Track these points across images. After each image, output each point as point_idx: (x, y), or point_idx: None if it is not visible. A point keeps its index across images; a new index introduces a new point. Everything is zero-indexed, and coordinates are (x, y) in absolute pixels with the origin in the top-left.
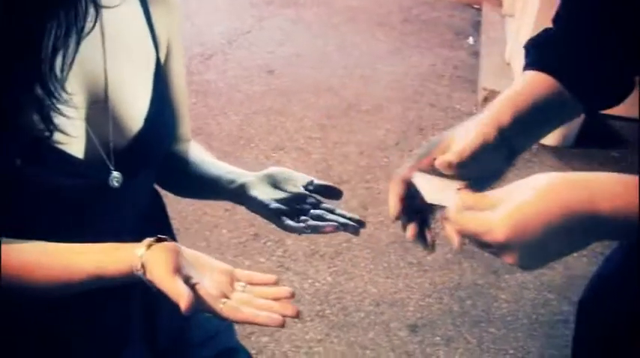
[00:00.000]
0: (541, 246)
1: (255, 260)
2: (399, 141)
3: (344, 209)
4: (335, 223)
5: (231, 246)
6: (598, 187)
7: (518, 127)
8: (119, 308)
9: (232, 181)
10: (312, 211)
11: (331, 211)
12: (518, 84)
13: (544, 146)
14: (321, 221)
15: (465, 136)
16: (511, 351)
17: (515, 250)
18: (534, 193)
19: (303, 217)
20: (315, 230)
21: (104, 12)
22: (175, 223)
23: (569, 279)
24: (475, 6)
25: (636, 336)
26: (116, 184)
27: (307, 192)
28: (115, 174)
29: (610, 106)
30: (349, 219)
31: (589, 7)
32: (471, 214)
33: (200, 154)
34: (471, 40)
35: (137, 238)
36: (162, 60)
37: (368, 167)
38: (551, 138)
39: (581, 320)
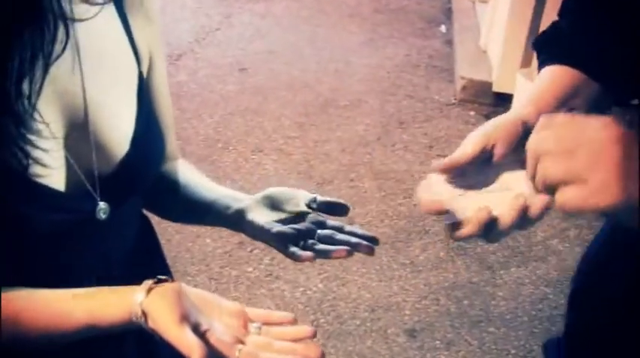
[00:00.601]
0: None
1: (242, 270)
2: (381, 136)
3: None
4: (347, 246)
5: (217, 256)
6: None
7: None
8: (113, 349)
9: (228, 206)
10: (319, 232)
11: (340, 229)
12: (542, 81)
13: None
14: (331, 242)
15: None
16: (513, 351)
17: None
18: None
19: (310, 241)
20: (326, 255)
21: (78, 27)
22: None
23: (563, 271)
24: None
25: (630, 315)
26: (103, 216)
27: (311, 211)
28: (102, 205)
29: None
30: (361, 236)
31: None
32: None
33: (191, 175)
34: (443, 28)
35: (128, 270)
36: (144, 74)
37: (351, 165)
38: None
39: (573, 308)
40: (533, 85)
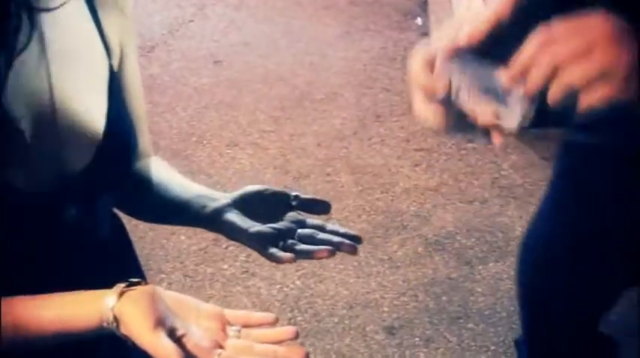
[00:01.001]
0: None
1: (218, 267)
2: (357, 130)
3: None
4: (329, 245)
5: (191, 253)
6: None
7: None
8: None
9: (204, 206)
10: (299, 231)
11: (322, 228)
12: None
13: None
14: (312, 242)
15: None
16: (492, 347)
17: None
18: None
19: (290, 241)
20: (307, 255)
21: (44, 17)
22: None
23: None
24: None
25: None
26: (73, 217)
27: (291, 210)
28: (71, 205)
29: None
30: (343, 235)
31: None
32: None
33: (165, 173)
34: (419, 20)
35: (99, 272)
36: (115, 67)
37: (327, 159)
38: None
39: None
40: None
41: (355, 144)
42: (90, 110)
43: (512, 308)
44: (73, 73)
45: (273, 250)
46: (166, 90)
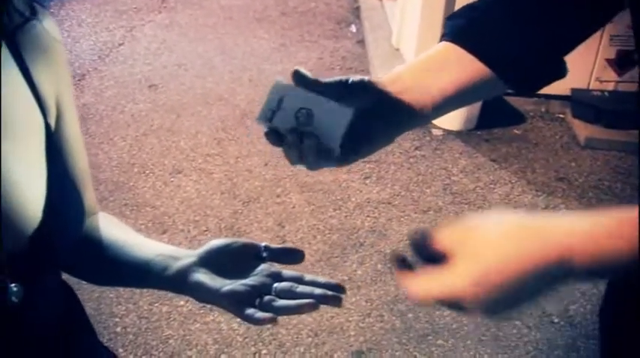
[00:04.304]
0: (512, 297)
1: (173, 304)
2: None
3: (259, 232)
4: (310, 299)
5: (144, 292)
6: (571, 240)
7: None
8: None
9: (166, 267)
10: (276, 286)
11: (299, 280)
12: (438, 56)
13: (449, 132)
14: (291, 296)
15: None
16: None
17: (483, 305)
18: (499, 247)
19: (267, 297)
20: (289, 312)
21: None
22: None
23: None
24: None
25: None
26: (15, 300)
27: (262, 262)
28: (13, 287)
29: (540, 87)
30: (324, 285)
31: None
32: (431, 280)
33: (116, 231)
34: (353, 27)
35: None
36: (52, 126)
37: (276, 179)
38: (454, 123)
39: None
40: (425, 58)
41: None
42: (28, 181)
43: (478, 320)
44: (5, 138)
45: (250, 311)
46: (102, 119)
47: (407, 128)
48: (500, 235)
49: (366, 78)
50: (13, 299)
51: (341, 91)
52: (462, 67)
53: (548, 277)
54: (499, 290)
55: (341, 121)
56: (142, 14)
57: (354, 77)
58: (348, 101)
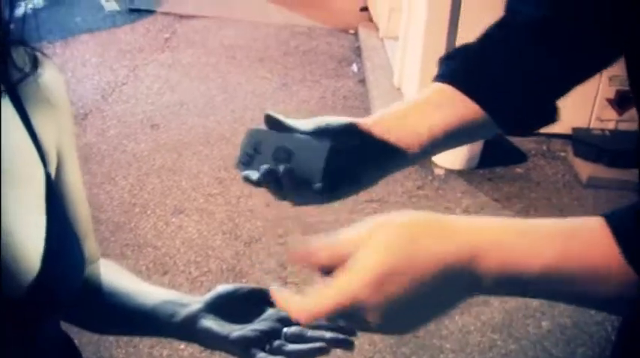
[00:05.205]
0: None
1: (174, 348)
2: None
3: (261, 273)
4: (322, 342)
5: None
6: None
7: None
8: None
9: (172, 314)
10: (285, 331)
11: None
12: (429, 97)
13: (451, 171)
14: (302, 340)
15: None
16: None
17: (385, 311)
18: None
19: (276, 342)
20: (300, 356)
21: None
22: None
23: (507, 314)
24: (350, 31)
25: None
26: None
27: (270, 307)
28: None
29: (533, 130)
30: (335, 328)
31: (514, 25)
32: (325, 288)
33: (118, 279)
34: (354, 67)
35: None
36: (52, 174)
37: (278, 220)
38: (456, 163)
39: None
40: (419, 100)
41: None
42: (27, 230)
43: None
44: (5, 190)
45: (261, 355)
46: (103, 159)
47: (394, 168)
48: (404, 233)
49: (347, 120)
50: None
51: (319, 134)
52: (452, 106)
53: (454, 280)
54: (402, 292)
55: (320, 154)
56: (145, 54)
57: (333, 121)
58: (327, 142)
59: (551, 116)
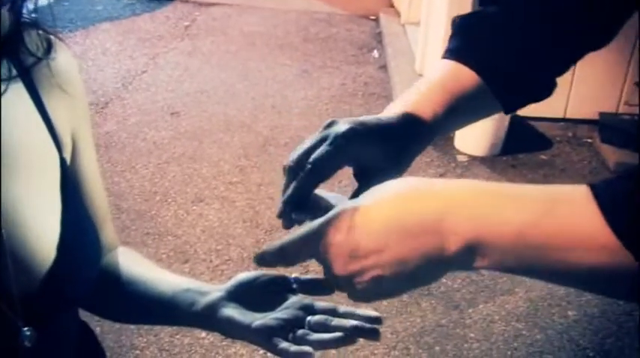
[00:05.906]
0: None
1: (195, 337)
2: None
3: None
4: (347, 332)
5: None
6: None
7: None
8: None
9: (192, 302)
10: (309, 319)
11: (334, 312)
12: (441, 75)
13: (474, 157)
14: (326, 329)
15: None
16: None
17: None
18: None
19: (300, 331)
20: (324, 346)
21: None
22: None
23: (532, 303)
24: (372, 17)
25: None
26: (28, 344)
27: (293, 294)
28: (26, 330)
29: (526, 104)
30: (361, 317)
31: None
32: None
33: (137, 267)
34: (375, 53)
35: None
36: (68, 160)
37: None
38: (479, 149)
39: None
40: (427, 79)
41: (324, 188)
42: (42, 218)
43: (509, 353)
44: (18, 175)
45: (284, 345)
46: (124, 147)
47: (414, 148)
48: (386, 196)
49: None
50: (26, 343)
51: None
52: (456, 79)
53: (424, 242)
54: (368, 245)
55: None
56: (164, 42)
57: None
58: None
59: (547, 90)
